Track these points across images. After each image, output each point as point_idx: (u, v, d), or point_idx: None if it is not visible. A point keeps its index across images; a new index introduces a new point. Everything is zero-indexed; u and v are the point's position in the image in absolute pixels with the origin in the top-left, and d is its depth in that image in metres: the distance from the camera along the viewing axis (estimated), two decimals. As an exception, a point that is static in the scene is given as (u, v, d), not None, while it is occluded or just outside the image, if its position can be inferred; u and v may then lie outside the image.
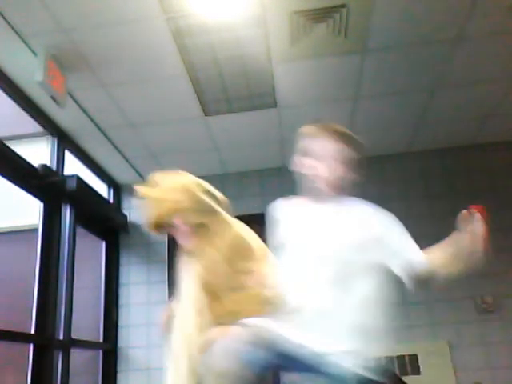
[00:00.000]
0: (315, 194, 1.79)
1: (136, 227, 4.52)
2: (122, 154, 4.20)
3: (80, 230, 3.83)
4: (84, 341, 3.93)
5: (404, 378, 3.80)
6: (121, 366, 4.23)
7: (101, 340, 4.22)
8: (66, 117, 3.50)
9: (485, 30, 2.94)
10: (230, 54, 3.00)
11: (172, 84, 3.27)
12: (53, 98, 2.84)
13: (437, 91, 3.57)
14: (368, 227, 1.71)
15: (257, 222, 4.55)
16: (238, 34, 2.83)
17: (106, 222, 4.36)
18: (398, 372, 3.88)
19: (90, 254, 4.53)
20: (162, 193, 2.03)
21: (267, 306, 1.68)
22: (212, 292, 1.89)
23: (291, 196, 1.89)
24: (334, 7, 2.66)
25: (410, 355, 3.95)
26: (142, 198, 2.01)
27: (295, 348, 1.46)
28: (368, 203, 1.87)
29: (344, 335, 1.51)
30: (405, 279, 1.71)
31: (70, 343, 3.45)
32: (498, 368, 3.87)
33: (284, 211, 1.88)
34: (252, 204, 4.61)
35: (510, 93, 3.66)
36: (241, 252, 1.94)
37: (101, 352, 4.21)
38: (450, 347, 3.95)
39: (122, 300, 4.39)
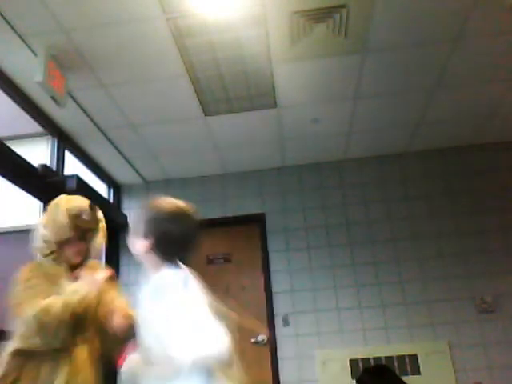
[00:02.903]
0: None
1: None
2: (121, 154, 4.20)
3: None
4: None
5: (404, 378, 3.80)
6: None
7: (101, 340, 4.21)
8: (66, 117, 3.51)
9: (485, 30, 2.94)
10: (230, 53, 3.00)
11: (172, 84, 3.27)
12: (53, 98, 2.84)
13: (437, 91, 3.57)
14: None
15: (257, 221, 4.57)
16: (238, 34, 2.83)
17: (106, 222, 4.35)
18: (397, 372, 3.89)
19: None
20: None
21: None
22: None
23: None
24: (334, 7, 2.67)
25: (409, 355, 3.95)
26: None
27: None
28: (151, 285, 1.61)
29: None
30: None
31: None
32: (498, 368, 3.87)
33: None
34: (252, 204, 4.62)
35: (509, 93, 3.66)
36: None
37: (101, 352, 4.21)
38: (449, 347, 3.95)
39: (122, 300, 4.39)
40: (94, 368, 1.88)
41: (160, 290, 1.55)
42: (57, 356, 1.76)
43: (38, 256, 1.97)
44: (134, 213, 1.76)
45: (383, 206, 4.46)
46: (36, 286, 1.81)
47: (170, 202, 1.70)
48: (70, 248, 1.94)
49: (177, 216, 1.66)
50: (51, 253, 1.91)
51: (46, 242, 1.91)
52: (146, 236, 1.62)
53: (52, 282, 1.85)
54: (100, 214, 2.11)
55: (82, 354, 1.84)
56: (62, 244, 1.92)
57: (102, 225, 2.12)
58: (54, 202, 2.01)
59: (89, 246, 2.02)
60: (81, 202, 2.02)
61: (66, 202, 1.98)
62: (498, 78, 3.47)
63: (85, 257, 2.02)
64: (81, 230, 1.96)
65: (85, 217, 1.97)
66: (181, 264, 1.65)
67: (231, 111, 3.67)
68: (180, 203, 1.72)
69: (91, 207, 2.02)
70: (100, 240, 2.07)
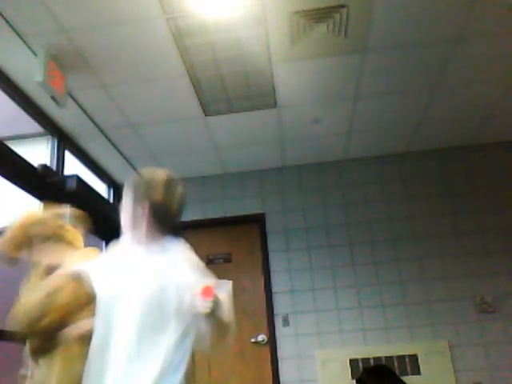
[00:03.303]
0: (131, 242, 1.75)
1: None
2: (121, 154, 4.20)
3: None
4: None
5: (404, 378, 3.80)
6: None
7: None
8: (66, 117, 3.51)
9: (485, 29, 2.94)
10: (230, 53, 3.00)
11: (172, 84, 3.27)
12: (53, 98, 2.84)
13: (437, 91, 3.57)
14: (162, 278, 1.60)
15: (257, 221, 4.57)
16: (238, 34, 2.83)
17: (106, 221, 4.34)
18: (397, 372, 3.89)
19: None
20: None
21: None
22: None
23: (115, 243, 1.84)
24: (334, 7, 2.67)
25: (409, 355, 3.95)
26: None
27: None
28: (180, 250, 1.72)
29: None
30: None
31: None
32: (498, 368, 3.87)
33: (99, 262, 1.80)
34: (252, 204, 4.62)
35: (509, 93, 3.66)
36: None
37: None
38: (449, 347, 3.95)
39: (122, 300, 4.39)
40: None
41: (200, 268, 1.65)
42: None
43: None
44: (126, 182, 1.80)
45: (383, 205, 4.46)
46: None
47: (161, 172, 1.78)
48: None
49: (171, 183, 1.75)
50: None
51: None
52: (142, 202, 1.69)
53: None
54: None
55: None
56: None
57: None
58: None
59: None
60: None
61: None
62: (498, 78, 3.47)
63: None
64: None
65: None
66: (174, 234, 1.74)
67: (231, 111, 3.67)
68: (168, 172, 1.79)
69: None
70: None
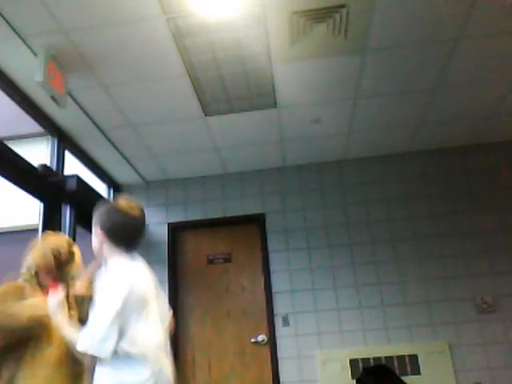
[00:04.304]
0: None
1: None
2: (121, 154, 4.20)
3: (80, 230, 3.83)
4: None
5: (404, 378, 3.80)
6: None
7: (101, 340, 4.21)
8: (66, 117, 3.51)
9: (485, 30, 2.94)
10: (230, 53, 3.00)
11: (172, 84, 3.27)
12: (53, 98, 2.84)
13: (437, 91, 3.58)
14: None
15: (256, 221, 4.57)
16: (238, 34, 2.83)
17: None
18: (397, 372, 3.89)
19: (90, 254, 4.52)
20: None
21: None
22: None
23: None
24: (334, 7, 2.67)
25: (409, 355, 3.95)
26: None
27: None
28: (104, 271, 1.91)
29: None
30: None
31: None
32: (498, 368, 3.87)
33: None
34: (252, 204, 4.63)
35: (509, 93, 3.66)
36: None
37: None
38: (449, 347, 3.95)
39: (122, 300, 4.38)
40: None
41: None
42: None
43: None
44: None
45: (383, 205, 4.46)
46: None
47: (122, 200, 1.99)
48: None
49: (124, 210, 1.93)
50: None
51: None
52: (101, 228, 1.92)
53: None
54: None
55: None
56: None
57: None
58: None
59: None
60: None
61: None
62: (498, 78, 3.47)
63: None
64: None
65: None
66: (134, 255, 1.94)
67: (231, 111, 3.67)
68: (131, 202, 1.99)
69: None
70: None
